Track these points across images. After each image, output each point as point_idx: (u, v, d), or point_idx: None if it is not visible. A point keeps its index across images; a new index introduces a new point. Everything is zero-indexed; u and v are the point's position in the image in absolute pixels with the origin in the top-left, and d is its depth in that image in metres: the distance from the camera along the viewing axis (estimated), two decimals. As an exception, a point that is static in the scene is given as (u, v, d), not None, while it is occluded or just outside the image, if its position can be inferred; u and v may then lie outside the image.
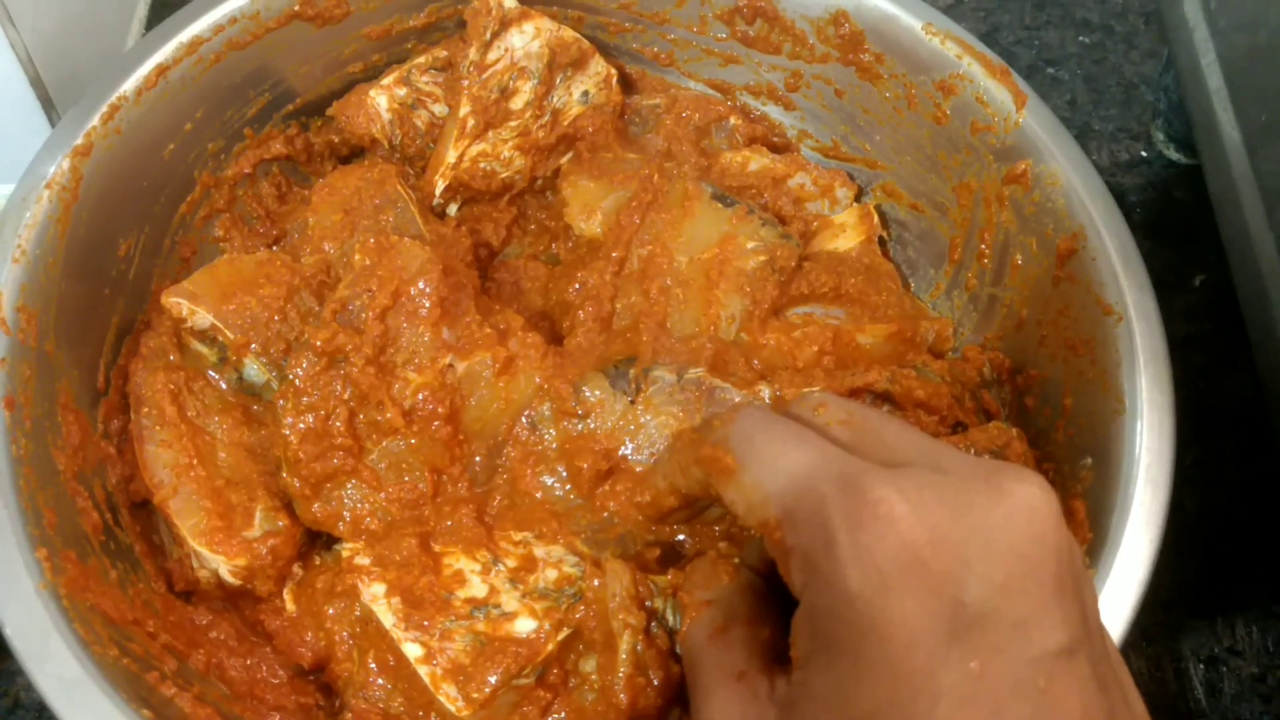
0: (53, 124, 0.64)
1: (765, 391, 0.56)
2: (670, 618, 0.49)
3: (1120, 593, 0.49)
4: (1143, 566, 0.50)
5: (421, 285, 0.55)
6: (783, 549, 0.38)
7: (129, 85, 0.58)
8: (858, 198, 0.69)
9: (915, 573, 0.35)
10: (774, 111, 0.71)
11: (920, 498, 0.36)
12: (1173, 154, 0.77)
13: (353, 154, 0.68)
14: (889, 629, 0.35)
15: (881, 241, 0.68)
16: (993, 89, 0.62)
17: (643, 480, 0.53)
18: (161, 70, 0.59)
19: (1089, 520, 0.52)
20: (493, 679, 0.48)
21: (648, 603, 0.49)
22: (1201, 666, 0.62)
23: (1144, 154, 0.77)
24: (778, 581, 0.43)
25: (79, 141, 0.56)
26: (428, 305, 0.55)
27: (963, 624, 0.35)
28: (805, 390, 0.54)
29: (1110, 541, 0.50)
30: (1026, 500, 0.37)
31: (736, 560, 0.46)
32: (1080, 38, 0.81)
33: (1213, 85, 0.62)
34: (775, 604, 0.44)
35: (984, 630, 0.35)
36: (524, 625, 0.50)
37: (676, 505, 0.49)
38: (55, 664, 0.44)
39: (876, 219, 0.67)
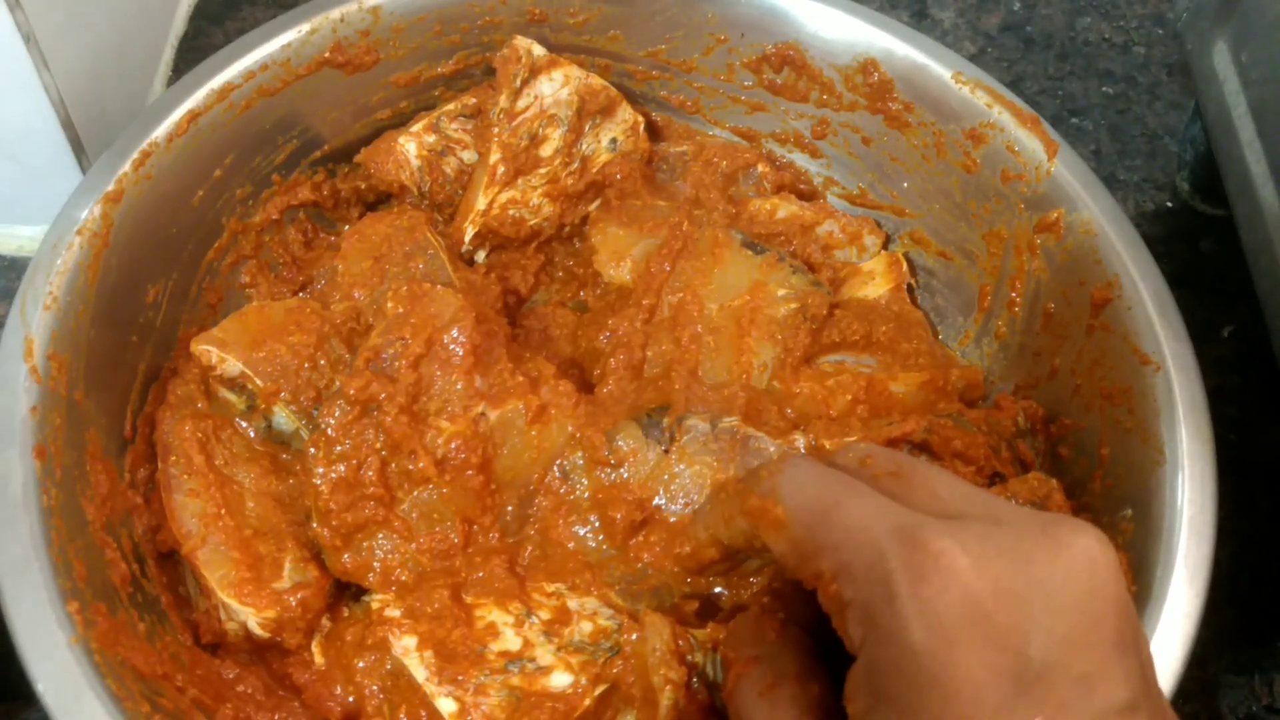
0: (81, 166, 0.64)
1: (800, 441, 0.55)
2: (711, 672, 0.48)
3: (1166, 649, 0.48)
4: (1189, 621, 0.49)
5: (455, 333, 0.54)
6: (839, 602, 0.38)
7: (160, 131, 0.57)
8: (885, 245, 0.69)
9: (979, 626, 0.35)
10: (800, 159, 0.70)
11: (981, 550, 0.36)
12: (1199, 205, 0.77)
13: (379, 200, 0.68)
14: (953, 683, 0.34)
15: (909, 289, 0.68)
16: (1023, 138, 0.62)
17: (681, 531, 0.52)
18: (193, 116, 0.58)
19: (1132, 573, 0.51)
20: (529, 735, 0.47)
21: (688, 657, 0.48)
22: (1241, 723, 0.61)
23: (1169, 204, 0.77)
24: (823, 637, 0.42)
25: (110, 188, 0.55)
26: (461, 353, 0.54)
27: (1027, 679, 0.34)
28: (847, 441, 0.54)
29: (1155, 596, 0.49)
30: (1086, 553, 0.36)
31: (781, 615, 0.45)
32: (1104, 88, 0.81)
33: (1245, 137, 0.62)
34: (821, 659, 0.43)
35: (1048, 685, 0.34)
36: (560, 680, 0.49)
37: (717, 557, 0.48)
38: (88, 721, 0.42)
39: (905, 266, 0.67)
